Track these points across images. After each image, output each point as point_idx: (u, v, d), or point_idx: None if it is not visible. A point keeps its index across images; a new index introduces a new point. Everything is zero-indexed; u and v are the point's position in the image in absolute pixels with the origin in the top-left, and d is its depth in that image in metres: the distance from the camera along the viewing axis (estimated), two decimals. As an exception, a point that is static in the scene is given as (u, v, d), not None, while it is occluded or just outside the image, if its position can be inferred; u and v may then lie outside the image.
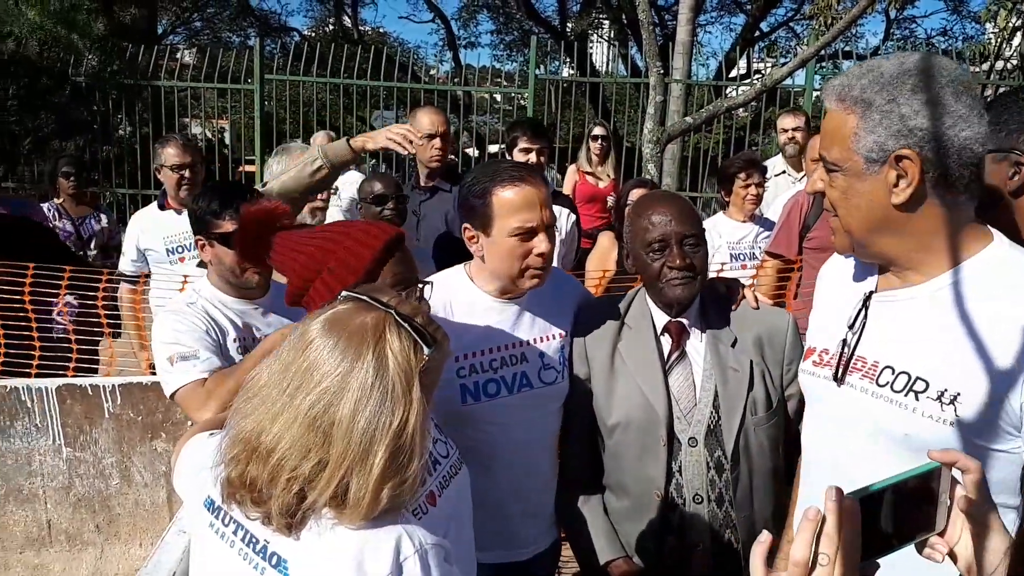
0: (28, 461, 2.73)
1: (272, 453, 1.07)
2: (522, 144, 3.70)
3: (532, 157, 3.66)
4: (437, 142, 3.53)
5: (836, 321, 1.41)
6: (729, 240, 4.19)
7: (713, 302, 1.93)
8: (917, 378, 1.24)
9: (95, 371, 3.29)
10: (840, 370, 1.36)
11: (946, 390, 1.20)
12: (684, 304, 1.86)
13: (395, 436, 1.06)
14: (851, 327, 1.37)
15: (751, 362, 1.85)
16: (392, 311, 1.13)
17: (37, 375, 2.96)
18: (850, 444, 1.34)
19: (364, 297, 1.17)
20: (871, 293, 1.37)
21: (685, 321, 1.89)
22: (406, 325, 1.12)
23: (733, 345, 1.87)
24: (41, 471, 2.74)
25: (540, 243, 1.81)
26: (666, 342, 1.90)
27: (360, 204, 3.32)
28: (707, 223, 4.48)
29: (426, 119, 3.57)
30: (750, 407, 1.81)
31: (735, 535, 1.83)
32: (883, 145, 1.20)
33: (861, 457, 1.31)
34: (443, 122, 3.60)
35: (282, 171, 2.79)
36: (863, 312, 1.36)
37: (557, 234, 3.08)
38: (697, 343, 1.89)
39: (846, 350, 1.36)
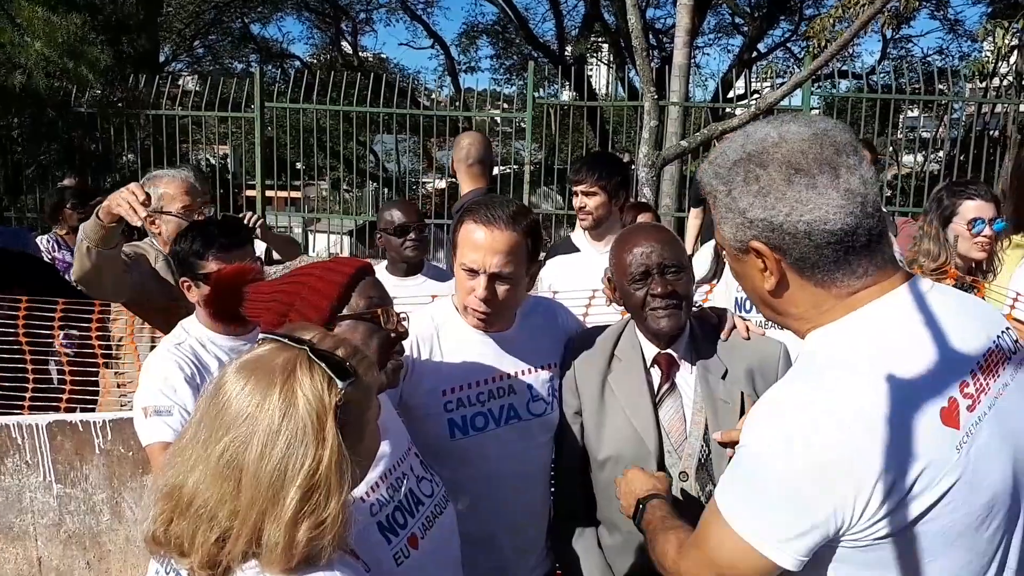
0: (19, 498, 2.71)
1: (191, 505, 1.05)
2: (575, 188, 3.14)
3: (579, 201, 3.10)
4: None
5: None
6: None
7: (703, 333, 1.92)
8: None
9: (95, 403, 3.27)
10: None
11: None
12: (672, 335, 1.85)
13: (307, 476, 1.02)
14: None
15: (742, 393, 1.83)
16: (306, 348, 1.11)
17: (33, 410, 2.94)
18: None
19: (280, 337, 1.14)
20: None
21: (674, 353, 1.88)
22: (319, 361, 1.09)
23: (724, 376, 1.85)
24: (32, 508, 2.72)
25: (477, 286, 1.80)
26: (656, 374, 1.88)
27: (380, 234, 3.11)
28: (708, 246, 4.48)
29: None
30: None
31: (728, 572, 1.80)
32: (736, 236, 1.17)
33: None
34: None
35: (158, 199, 2.80)
36: None
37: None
38: (687, 375, 1.88)
39: None
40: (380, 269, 3.08)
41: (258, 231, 3.40)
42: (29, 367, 3.00)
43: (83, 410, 2.91)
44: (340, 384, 1.07)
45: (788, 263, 1.14)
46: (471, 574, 1.72)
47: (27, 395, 2.96)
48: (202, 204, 3.03)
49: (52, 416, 2.71)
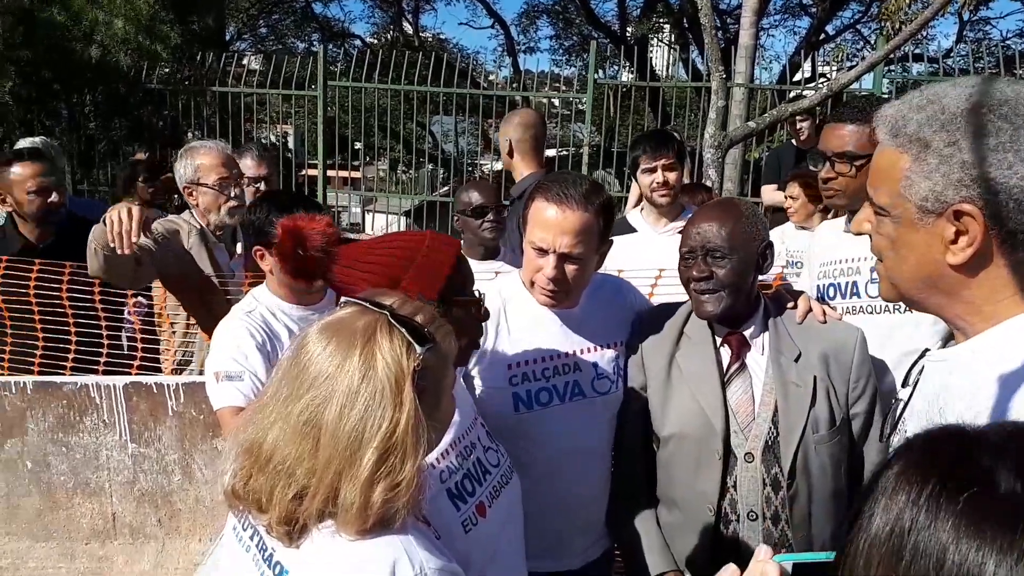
0: (96, 456, 2.83)
1: (270, 461, 1.06)
2: (643, 164, 3.02)
3: (659, 177, 2.99)
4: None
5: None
6: (789, 248, 4.08)
7: (778, 314, 1.88)
8: None
9: (159, 369, 3.39)
10: (887, 429, 1.23)
11: None
12: (715, 319, 1.83)
13: (384, 438, 1.03)
14: (904, 384, 1.21)
15: (815, 378, 1.79)
16: (386, 312, 1.11)
17: (106, 373, 3.05)
18: None
19: (362, 301, 1.15)
20: (926, 350, 1.21)
21: (746, 333, 1.85)
22: (399, 326, 1.09)
23: (797, 359, 1.81)
24: (108, 465, 2.83)
25: (546, 265, 1.79)
26: (725, 354, 1.85)
27: (457, 216, 3.02)
28: (776, 232, 4.33)
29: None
30: (811, 424, 1.75)
31: (793, 556, 1.77)
32: (940, 195, 1.01)
33: None
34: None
35: (186, 173, 2.82)
36: (917, 369, 1.19)
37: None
38: (758, 356, 1.84)
39: (895, 410, 1.21)
40: None
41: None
42: (104, 332, 3.11)
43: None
44: (419, 349, 1.08)
45: (997, 234, 1.00)
46: (529, 547, 1.72)
47: (102, 359, 3.08)
48: (237, 176, 2.99)
49: (128, 377, 2.81)
